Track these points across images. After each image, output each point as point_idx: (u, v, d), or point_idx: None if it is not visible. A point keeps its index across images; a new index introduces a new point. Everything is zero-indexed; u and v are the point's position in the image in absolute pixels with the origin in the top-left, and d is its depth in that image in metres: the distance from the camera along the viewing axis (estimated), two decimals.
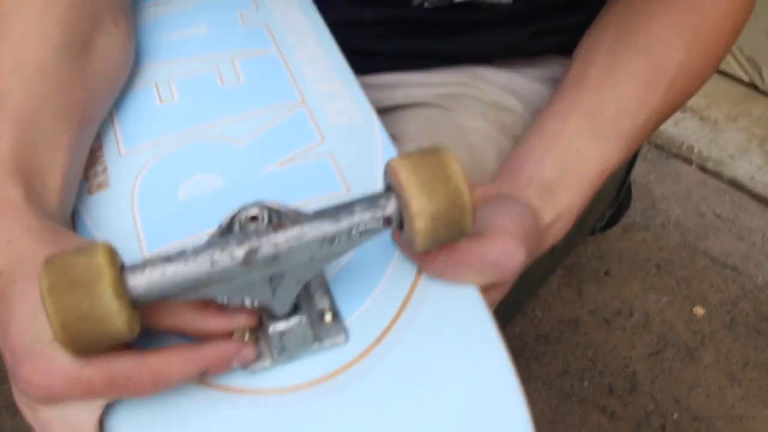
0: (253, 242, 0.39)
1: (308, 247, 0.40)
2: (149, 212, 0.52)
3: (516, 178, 0.55)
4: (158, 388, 0.40)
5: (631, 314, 1.31)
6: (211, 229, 0.50)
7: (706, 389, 1.20)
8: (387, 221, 0.42)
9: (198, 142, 0.56)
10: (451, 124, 0.68)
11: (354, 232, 0.41)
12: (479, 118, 0.68)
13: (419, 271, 0.48)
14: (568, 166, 0.55)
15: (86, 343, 0.37)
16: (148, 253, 0.50)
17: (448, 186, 0.41)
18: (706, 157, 1.57)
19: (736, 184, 1.51)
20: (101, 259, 0.37)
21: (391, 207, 0.41)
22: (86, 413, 0.40)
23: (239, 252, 0.39)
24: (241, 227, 0.42)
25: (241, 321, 0.43)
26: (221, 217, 0.50)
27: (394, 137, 0.62)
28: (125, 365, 0.39)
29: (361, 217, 0.41)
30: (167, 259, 0.38)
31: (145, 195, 0.53)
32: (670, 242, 1.41)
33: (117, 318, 0.37)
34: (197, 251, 0.39)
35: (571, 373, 1.24)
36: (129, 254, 0.49)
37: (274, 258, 0.39)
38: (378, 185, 0.54)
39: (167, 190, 0.53)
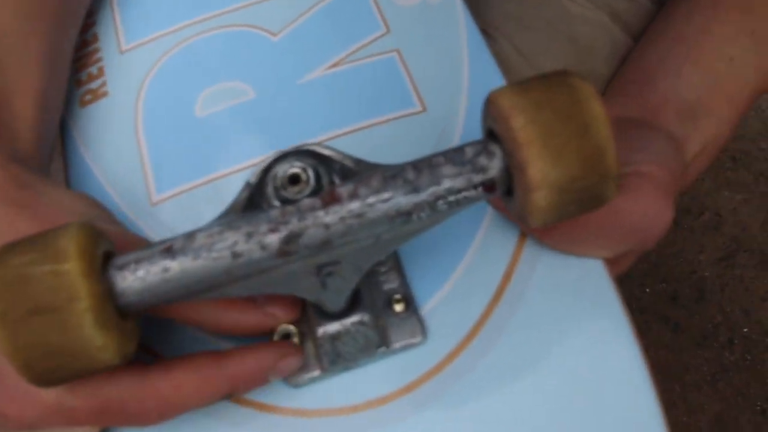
0: (293, 224, 0.27)
1: (373, 226, 0.27)
2: (158, 134, 0.39)
3: (647, 96, 0.41)
4: (165, 417, 0.29)
5: (702, 213, 1.18)
6: (240, 163, 0.38)
7: None
8: (489, 188, 0.28)
9: (221, 32, 0.42)
10: (549, 9, 0.53)
11: (440, 204, 0.28)
12: (586, 2, 0.53)
13: (522, 236, 0.35)
14: (716, 81, 0.41)
15: (62, 379, 0.26)
16: (157, 195, 0.37)
17: (586, 141, 0.27)
18: None
19: None
20: (73, 269, 0.25)
21: (495, 167, 0.28)
22: None
23: (273, 239, 0.26)
24: (277, 192, 0.29)
25: (278, 315, 0.31)
26: (253, 144, 0.38)
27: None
28: (122, 390, 0.28)
29: (452, 182, 0.27)
30: (168, 250, 0.26)
31: (154, 109, 0.40)
32: (747, 131, 1.26)
33: (102, 352, 0.25)
34: (212, 236, 0.26)
35: (631, 278, 1.12)
36: (132, 195, 0.37)
37: (324, 244, 0.27)
38: (463, 100, 0.40)
39: (182, 103, 0.40)
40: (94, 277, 0.25)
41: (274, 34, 0.42)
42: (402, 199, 0.27)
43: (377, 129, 0.39)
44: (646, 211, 0.34)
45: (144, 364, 0.29)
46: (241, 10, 0.43)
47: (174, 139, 0.39)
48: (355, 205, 0.27)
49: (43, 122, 0.37)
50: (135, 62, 0.42)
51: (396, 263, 0.34)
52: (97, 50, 0.43)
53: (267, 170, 0.30)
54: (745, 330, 1.07)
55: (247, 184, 0.30)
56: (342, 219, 0.27)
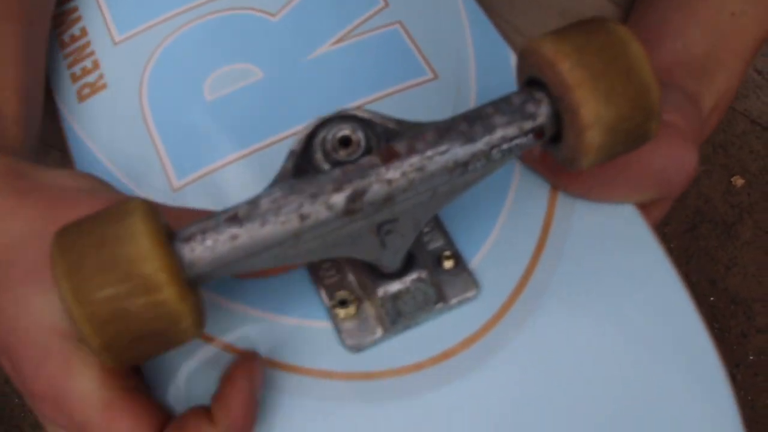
0: (357, 182, 0.26)
1: (433, 179, 0.27)
2: (169, 120, 0.38)
3: (656, 58, 0.41)
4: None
5: None
6: (259, 142, 0.37)
7: (744, 269, 1.12)
8: (538, 134, 0.29)
9: (218, 16, 0.41)
10: None
11: (495, 152, 0.28)
12: None
13: (554, 190, 0.35)
14: (721, 36, 0.42)
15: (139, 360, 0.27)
16: (178, 181, 0.36)
17: (631, 81, 0.28)
18: None
19: None
20: (171, 297, 0.25)
21: (543, 113, 0.28)
22: None
23: (338, 198, 0.26)
24: (327, 156, 0.28)
25: None
26: (269, 122, 0.37)
27: None
28: None
29: (504, 131, 0.28)
30: (234, 218, 0.26)
31: (159, 96, 0.39)
32: None
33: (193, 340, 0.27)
34: (276, 201, 0.26)
35: None
36: (152, 183, 0.37)
37: (387, 200, 0.27)
38: (471, 64, 0.40)
39: (189, 89, 0.39)
40: (191, 294, 0.25)
41: (272, 15, 0.41)
42: (459, 150, 0.27)
43: (393, 99, 0.38)
44: (669, 156, 0.34)
45: None
46: None
47: (186, 123, 0.38)
48: (414, 160, 0.27)
49: (27, 116, 0.36)
50: (131, 52, 0.41)
51: (438, 223, 0.34)
52: (87, 44, 0.42)
53: (311, 137, 0.29)
54: (712, 299, 1.09)
55: (292, 152, 0.29)
56: (403, 174, 0.27)
